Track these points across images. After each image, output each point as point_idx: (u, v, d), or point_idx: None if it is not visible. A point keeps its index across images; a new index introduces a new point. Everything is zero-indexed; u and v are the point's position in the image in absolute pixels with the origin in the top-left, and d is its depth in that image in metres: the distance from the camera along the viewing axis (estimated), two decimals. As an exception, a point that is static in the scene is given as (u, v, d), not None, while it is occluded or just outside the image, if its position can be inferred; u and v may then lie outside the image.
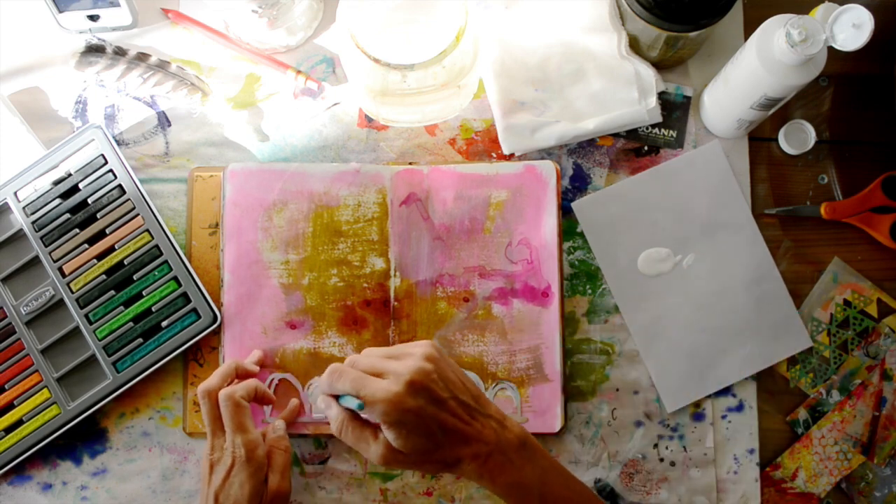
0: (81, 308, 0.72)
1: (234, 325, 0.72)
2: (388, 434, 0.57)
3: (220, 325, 0.72)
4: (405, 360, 0.58)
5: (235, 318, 0.72)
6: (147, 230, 0.72)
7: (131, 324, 0.72)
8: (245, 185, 0.73)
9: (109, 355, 0.71)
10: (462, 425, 0.57)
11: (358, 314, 0.72)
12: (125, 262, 0.72)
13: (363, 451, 0.58)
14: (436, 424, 0.56)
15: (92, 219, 0.73)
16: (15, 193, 0.73)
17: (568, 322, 0.74)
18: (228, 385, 0.67)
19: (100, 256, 0.72)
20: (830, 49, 0.62)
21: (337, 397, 0.59)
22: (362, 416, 0.58)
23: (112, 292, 0.72)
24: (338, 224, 0.73)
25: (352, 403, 0.57)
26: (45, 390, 0.71)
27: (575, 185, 0.76)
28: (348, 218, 0.73)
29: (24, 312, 0.72)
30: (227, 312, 0.72)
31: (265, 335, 0.72)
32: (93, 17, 0.75)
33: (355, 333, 0.72)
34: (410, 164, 0.75)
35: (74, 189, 0.73)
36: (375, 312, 0.73)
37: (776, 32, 0.62)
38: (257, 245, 0.73)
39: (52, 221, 0.73)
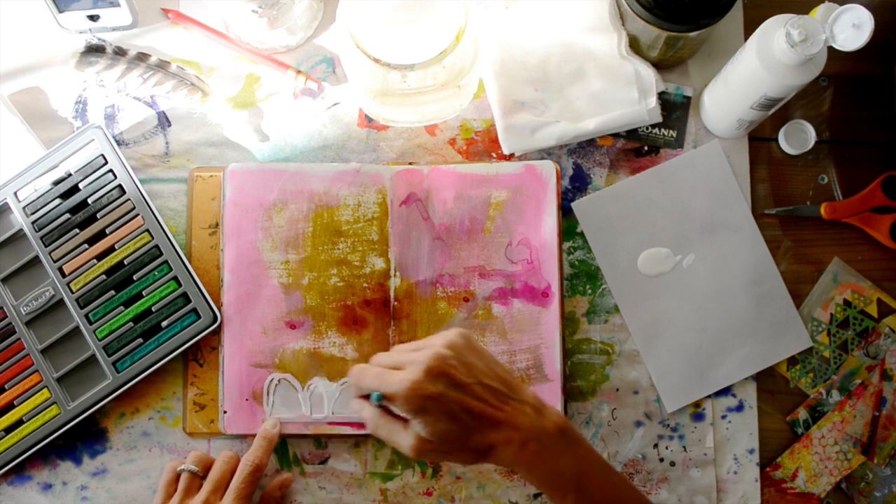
0: (81, 308, 0.72)
1: (233, 325, 0.72)
2: (414, 424, 0.57)
3: (220, 325, 0.72)
4: (425, 349, 0.58)
5: (235, 318, 0.72)
6: (147, 230, 0.72)
7: (131, 324, 0.72)
8: (245, 185, 0.73)
9: (109, 355, 0.71)
10: (491, 409, 0.57)
11: (358, 314, 0.72)
12: (125, 262, 0.72)
13: (397, 445, 0.58)
14: (460, 409, 0.56)
15: (92, 219, 0.73)
16: (15, 193, 0.73)
17: (568, 322, 0.74)
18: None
19: (100, 256, 0.72)
20: (830, 49, 0.62)
21: (367, 397, 0.59)
22: (393, 410, 0.58)
23: (112, 292, 0.72)
24: (338, 224, 0.73)
25: (373, 398, 0.58)
26: (45, 390, 0.71)
27: (575, 185, 0.76)
28: (348, 218, 0.73)
29: (24, 312, 0.72)
30: (227, 312, 0.72)
31: (265, 335, 0.72)
32: (93, 17, 0.75)
33: (355, 333, 0.72)
34: (410, 164, 0.75)
35: (74, 189, 0.73)
36: (375, 312, 0.73)
37: (776, 32, 0.62)
38: (257, 245, 0.73)
39: (52, 221, 0.73)
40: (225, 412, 0.71)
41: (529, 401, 0.59)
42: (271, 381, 0.72)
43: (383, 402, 0.58)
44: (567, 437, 0.58)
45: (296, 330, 0.72)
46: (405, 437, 0.58)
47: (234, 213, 0.73)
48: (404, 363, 0.58)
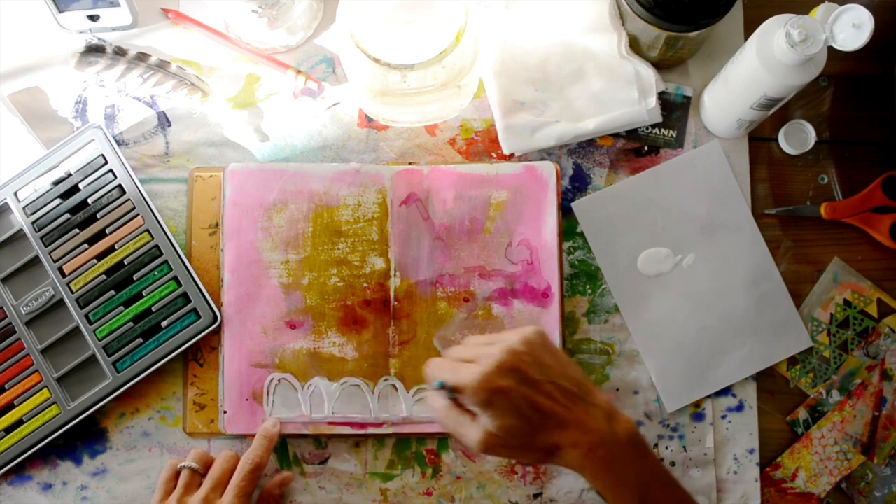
0: (81, 308, 0.72)
1: (233, 325, 0.72)
2: (482, 418, 0.57)
3: (220, 325, 0.72)
4: (499, 344, 0.58)
5: (235, 318, 0.72)
6: (147, 230, 0.72)
7: (131, 324, 0.72)
8: (245, 185, 0.73)
9: (109, 355, 0.71)
10: (560, 409, 0.57)
11: (358, 314, 0.72)
12: (125, 262, 0.72)
13: (463, 437, 0.58)
14: (528, 405, 0.56)
15: (92, 219, 0.73)
16: (15, 193, 0.73)
17: (568, 322, 0.74)
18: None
19: (100, 256, 0.72)
20: (830, 49, 0.62)
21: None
22: (462, 403, 0.58)
23: (112, 292, 0.72)
24: (338, 224, 0.73)
25: (435, 384, 0.58)
26: (45, 390, 0.71)
27: (575, 185, 0.76)
28: (348, 218, 0.73)
29: (24, 312, 0.72)
30: (227, 312, 0.72)
31: (265, 335, 0.72)
32: (93, 17, 0.75)
33: (355, 333, 0.72)
34: (410, 164, 0.75)
35: (74, 189, 0.73)
36: (375, 312, 0.72)
37: (776, 32, 0.62)
38: (257, 245, 0.73)
39: (52, 221, 0.73)
40: (225, 412, 0.71)
41: (602, 405, 0.58)
42: (271, 381, 0.72)
43: (454, 395, 0.58)
44: (636, 447, 0.58)
45: (296, 330, 0.72)
46: (473, 430, 0.57)
47: (234, 213, 0.73)
48: (477, 356, 0.58)
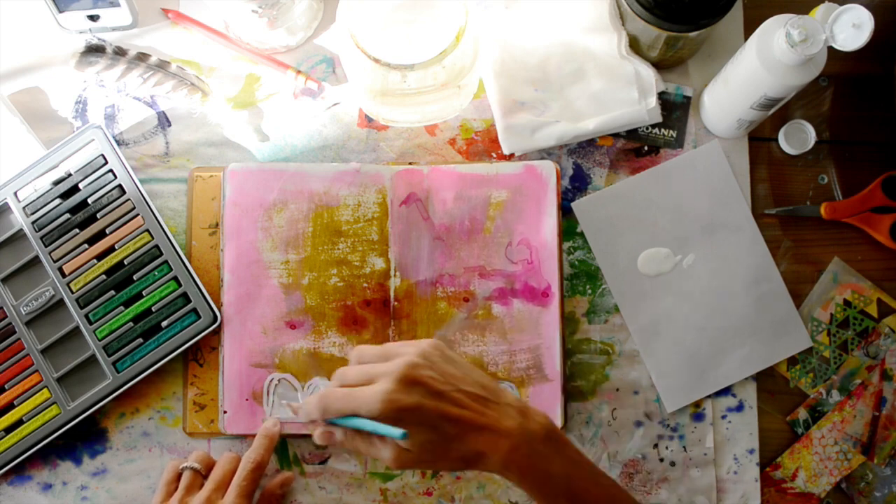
0: (81, 308, 0.72)
1: (233, 325, 0.72)
2: None
3: (220, 325, 0.72)
4: (395, 359, 0.56)
5: (235, 318, 0.72)
6: (147, 230, 0.72)
7: (131, 324, 0.72)
8: (245, 186, 0.73)
9: (109, 355, 0.71)
10: (472, 415, 0.55)
11: (358, 314, 0.72)
12: (125, 262, 0.72)
13: (377, 457, 0.57)
14: (439, 417, 0.54)
15: (92, 219, 0.73)
16: (15, 193, 0.73)
17: (568, 322, 0.74)
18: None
19: (100, 256, 0.72)
20: (830, 49, 0.62)
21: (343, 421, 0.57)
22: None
23: (112, 292, 0.72)
24: (338, 224, 0.73)
25: (353, 423, 0.56)
26: (45, 390, 0.71)
27: (575, 185, 0.76)
28: (348, 218, 0.73)
29: (24, 312, 0.72)
30: (227, 312, 0.72)
31: (265, 335, 0.72)
32: (93, 17, 0.75)
33: (355, 333, 0.72)
34: (410, 164, 0.75)
35: (74, 189, 0.73)
36: (375, 312, 0.72)
37: (776, 32, 0.62)
38: (257, 245, 0.73)
39: (52, 221, 0.73)
40: (225, 412, 0.71)
41: (513, 403, 0.57)
42: (271, 381, 0.72)
43: (357, 426, 0.55)
44: (555, 440, 0.57)
45: (296, 330, 0.72)
46: (385, 451, 0.56)
47: (234, 213, 0.73)
48: (373, 376, 0.56)
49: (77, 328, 0.72)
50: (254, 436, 0.70)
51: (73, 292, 0.72)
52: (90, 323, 0.72)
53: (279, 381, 0.72)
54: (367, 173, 0.73)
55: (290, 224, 0.73)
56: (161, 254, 0.72)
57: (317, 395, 0.58)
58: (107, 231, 0.73)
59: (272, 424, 0.70)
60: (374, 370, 0.56)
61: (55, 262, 0.72)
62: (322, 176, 0.73)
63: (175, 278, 0.72)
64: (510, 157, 0.76)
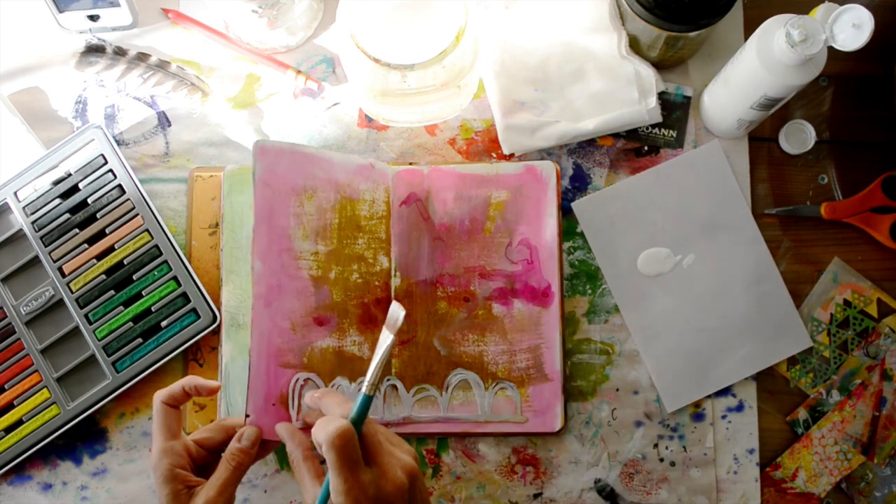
0: (81, 308, 0.72)
1: (262, 321, 0.65)
2: None
3: (219, 325, 0.71)
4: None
5: (264, 313, 0.65)
6: (147, 230, 0.72)
7: (131, 324, 0.72)
8: (277, 166, 0.66)
9: (109, 355, 0.71)
10: None
11: (372, 312, 0.71)
12: (125, 261, 0.72)
13: (300, 488, 0.58)
14: None
15: (92, 219, 0.73)
16: (15, 193, 0.73)
17: (568, 322, 0.74)
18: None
19: (100, 256, 0.72)
20: (830, 49, 0.62)
21: None
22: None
23: (112, 292, 0.72)
24: (358, 218, 0.71)
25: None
26: (44, 390, 0.71)
27: (575, 185, 0.76)
28: (365, 213, 0.71)
29: (23, 312, 0.72)
30: (256, 306, 0.65)
31: (293, 332, 0.67)
32: (93, 17, 0.75)
33: (370, 332, 0.71)
34: (410, 164, 0.75)
35: (74, 189, 0.73)
36: (383, 312, 0.72)
37: (776, 32, 0.62)
38: (289, 232, 0.67)
39: (52, 221, 0.73)
40: (248, 416, 0.63)
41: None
42: (297, 381, 0.66)
43: None
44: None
45: (323, 327, 0.68)
46: (307, 493, 0.57)
47: (265, 194, 0.66)
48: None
49: (77, 328, 0.72)
50: (276, 442, 0.63)
51: (72, 292, 0.72)
52: (90, 323, 0.72)
53: (304, 380, 0.67)
54: (378, 170, 0.72)
55: (320, 213, 0.68)
56: (161, 254, 0.72)
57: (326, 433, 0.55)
58: (106, 231, 0.73)
59: (248, 434, 0.62)
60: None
61: (55, 261, 0.72)
62: (345, 167, 0.70)
63: (175, 278, 0.72)
64: (510, 157, 0.76)
